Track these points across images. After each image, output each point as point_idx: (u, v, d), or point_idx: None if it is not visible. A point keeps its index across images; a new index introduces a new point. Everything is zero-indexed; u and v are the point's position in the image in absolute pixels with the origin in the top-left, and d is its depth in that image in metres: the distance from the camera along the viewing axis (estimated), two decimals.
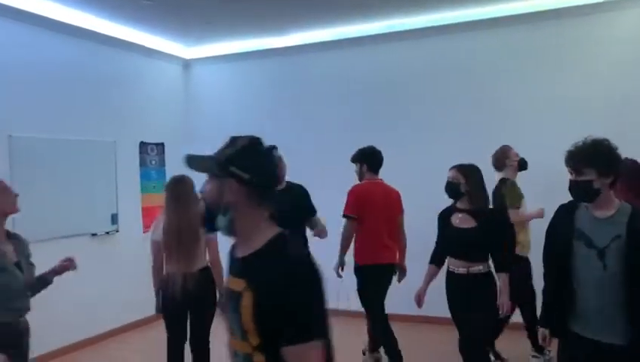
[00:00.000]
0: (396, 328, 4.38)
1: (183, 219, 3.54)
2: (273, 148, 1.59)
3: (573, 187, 2.44)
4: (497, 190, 4.38)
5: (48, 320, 4.20)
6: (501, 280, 3.49)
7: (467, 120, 5.76)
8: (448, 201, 3.63)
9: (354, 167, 4.48)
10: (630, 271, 2.30)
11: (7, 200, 2.92)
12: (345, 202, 4.35)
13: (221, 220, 1.52)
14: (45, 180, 5.07)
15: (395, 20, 5.91)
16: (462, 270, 3.50)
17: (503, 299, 3.47)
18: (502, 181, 4.45)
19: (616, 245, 2.33)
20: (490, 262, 3.53)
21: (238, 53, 6.73)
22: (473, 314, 3.46)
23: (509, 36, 5.64)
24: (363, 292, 4.36)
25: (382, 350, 4.52)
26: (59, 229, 5.11)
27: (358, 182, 4.46)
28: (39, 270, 3.07)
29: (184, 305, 3.68)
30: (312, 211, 4.29)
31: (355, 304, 4.50)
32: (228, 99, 6.95)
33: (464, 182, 3.50)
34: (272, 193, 1.55)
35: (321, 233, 4.25)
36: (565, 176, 2.49)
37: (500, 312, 3.47)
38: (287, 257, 1.46)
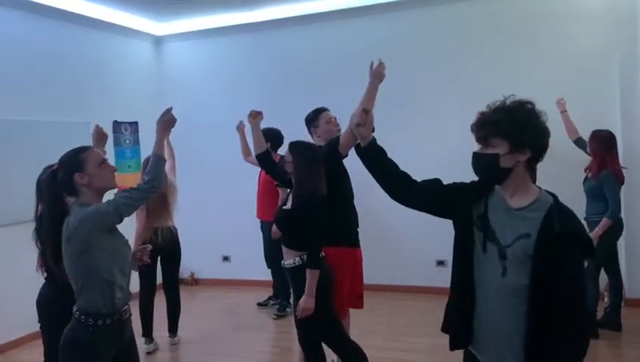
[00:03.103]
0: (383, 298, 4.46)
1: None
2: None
3: (475, 162, 1.85)
4: None
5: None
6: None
7: (435, 99, 5.80)
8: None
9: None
10: (533, 285, 1.72)
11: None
12: None
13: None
14: (16, 163, 4.96)
15: None
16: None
17: (301, 300, 3.03)
18: None
19: (521, 247, 1.75)
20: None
21: (212, 28, 6.61)
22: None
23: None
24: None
25: None
26: (30, 213, 5.04)
27: None
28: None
29: (157, 253, 4.53)
30: None
31: None
32: (202, 75, 6.86)
33: (290, 161, 3.18)
34: None
35: None
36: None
37: (297, 314, 3.07)
38: None
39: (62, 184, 2.43)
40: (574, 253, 1.73)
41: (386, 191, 2.06)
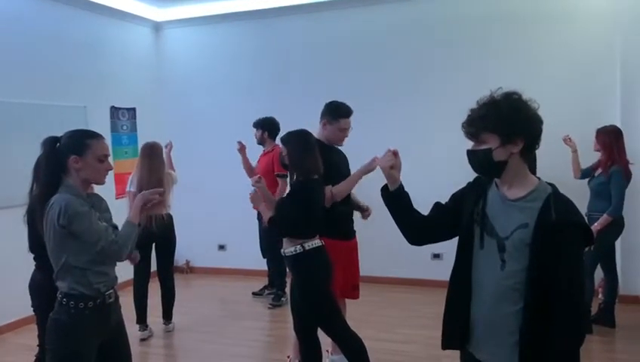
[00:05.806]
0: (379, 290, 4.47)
1: (157, 173, 4.43)
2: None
3: (470, 159, 1.84)
4: None
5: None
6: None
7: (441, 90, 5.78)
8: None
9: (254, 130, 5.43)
10: (531, 276, 1.70)
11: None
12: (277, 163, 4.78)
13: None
14: (13, 145, 4.93)
15: None
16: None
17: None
18: None
19: (519, 236, 1.74)
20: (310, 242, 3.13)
21: (212, 15, 6.56)
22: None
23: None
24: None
25: None
26: (25, 196, 5.01)
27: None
28: None
29: (152, 240, 4.63)
30: None
31: None
32: (201, 63, 6.81)
33: (285, 154, 3.21)
34: None
35: None
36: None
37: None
38: None
39: (57, 155, 2.34)
40: (572, 241, 1.71)
41: (405, 237, 2.06)
